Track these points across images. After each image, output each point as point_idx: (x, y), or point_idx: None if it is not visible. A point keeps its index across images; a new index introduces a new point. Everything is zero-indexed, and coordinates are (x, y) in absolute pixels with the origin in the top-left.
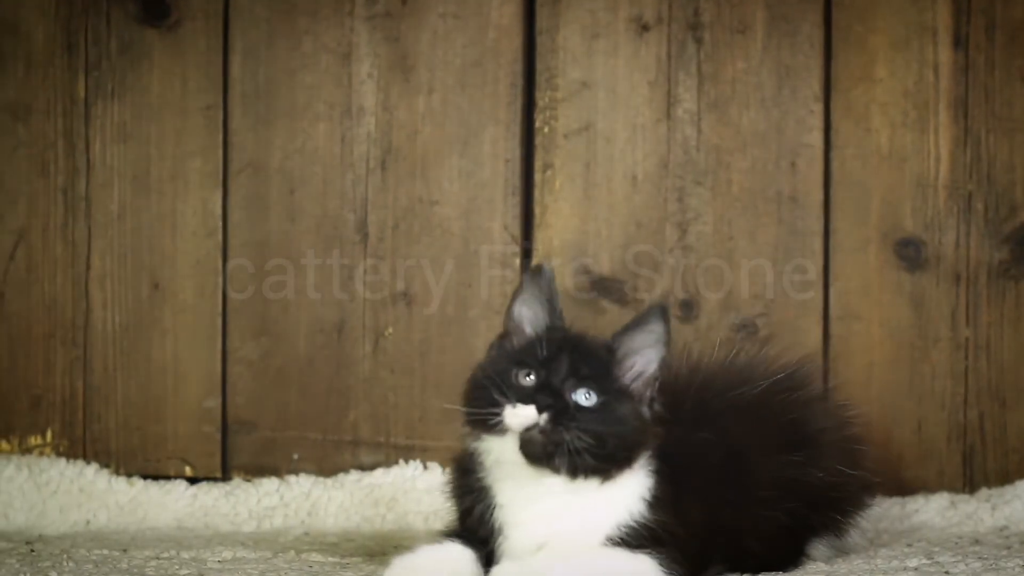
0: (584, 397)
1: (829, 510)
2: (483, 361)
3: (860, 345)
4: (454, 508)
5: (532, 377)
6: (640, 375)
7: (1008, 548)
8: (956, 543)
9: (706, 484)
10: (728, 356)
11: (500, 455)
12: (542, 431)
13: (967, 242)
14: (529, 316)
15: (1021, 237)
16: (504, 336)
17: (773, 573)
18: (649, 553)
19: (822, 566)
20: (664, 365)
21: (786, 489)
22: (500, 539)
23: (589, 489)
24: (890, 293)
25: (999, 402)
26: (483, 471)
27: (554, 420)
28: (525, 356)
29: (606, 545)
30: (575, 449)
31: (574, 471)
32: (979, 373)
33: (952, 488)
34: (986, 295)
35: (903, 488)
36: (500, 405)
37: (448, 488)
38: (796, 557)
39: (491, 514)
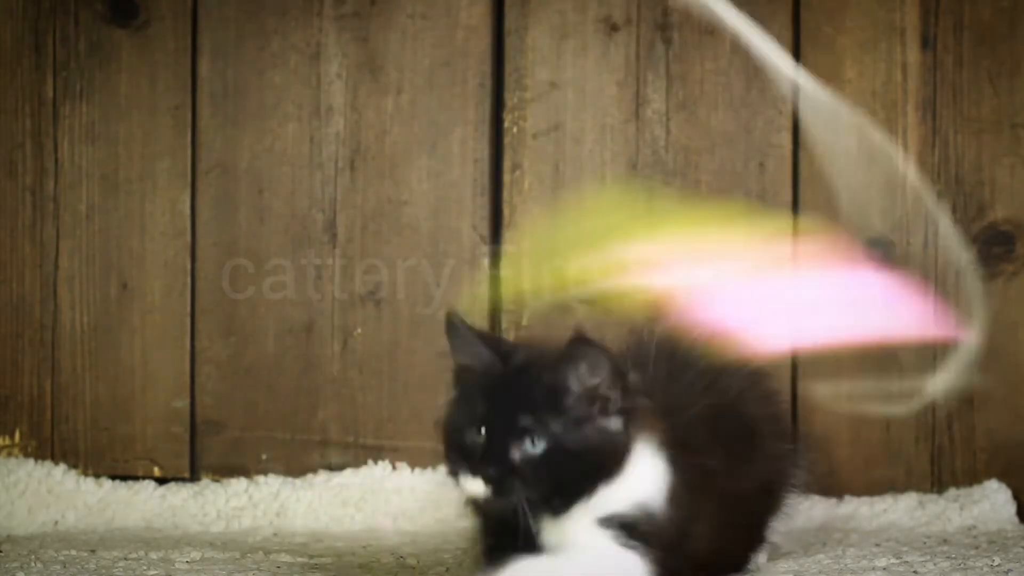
0: (531, 445)
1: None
2: (449, 403)
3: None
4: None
5: (483, 432)
6: (591, 397)
7: (976, 548)
8: (925, 543)
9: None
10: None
11: None
12: (490, 502)
13: (935, 242)
14: (470, 360)
15: (989, 237)
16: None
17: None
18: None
19: (791, 564)
20: (615, 373)
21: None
22: None
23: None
24: None
25: (967, 402)
26: None
27: (496, 492)
28: (471, 409)
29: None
30: (531, 502)
31: (538, 515)
32: None
33: (920, 488)
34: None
35: (871, 488)
36: (456, 474)
37: None
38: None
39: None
